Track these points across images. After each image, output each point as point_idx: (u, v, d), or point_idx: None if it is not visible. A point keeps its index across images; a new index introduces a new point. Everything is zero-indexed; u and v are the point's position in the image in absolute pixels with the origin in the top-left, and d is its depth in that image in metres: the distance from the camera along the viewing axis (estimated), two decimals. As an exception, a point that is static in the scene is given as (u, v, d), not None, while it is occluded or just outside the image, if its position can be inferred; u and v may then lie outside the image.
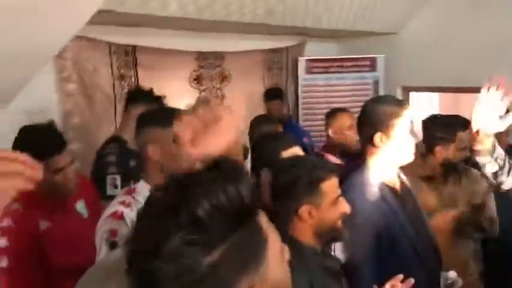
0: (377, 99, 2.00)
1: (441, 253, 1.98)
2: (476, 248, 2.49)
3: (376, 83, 5.37)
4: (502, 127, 1.72)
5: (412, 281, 1.60)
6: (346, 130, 3.50)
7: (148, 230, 0.71)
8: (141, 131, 1.82)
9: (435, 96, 6.77)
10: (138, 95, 3.05)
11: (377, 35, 5.32)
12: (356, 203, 1.73)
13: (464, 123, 2.40)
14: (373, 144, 1.87)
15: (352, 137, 3.39)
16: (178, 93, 4.05)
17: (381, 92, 5.27)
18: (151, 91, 3.04)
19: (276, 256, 0.77)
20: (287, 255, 0.84)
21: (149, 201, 0.77)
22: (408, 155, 1.90)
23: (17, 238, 2.09)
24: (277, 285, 0.77)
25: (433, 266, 1.94)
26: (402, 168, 2.22)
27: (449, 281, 1.94)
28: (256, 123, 3.34)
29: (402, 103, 1.92)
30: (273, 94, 4.63)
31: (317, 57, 5.45)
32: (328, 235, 1.63)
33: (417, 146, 1.92)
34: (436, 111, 6.27)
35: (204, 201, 0.68)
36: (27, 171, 0.80)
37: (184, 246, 0.67)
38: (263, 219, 0.77)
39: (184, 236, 0.67)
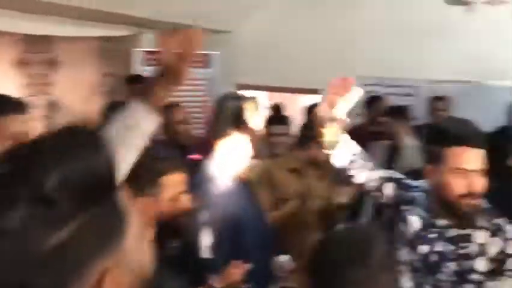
0: (230, 95, 2.12)
1: (277, 240, 2.16)
2: None
3: (210, 80, 5.52)
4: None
5: (247, 265, 1.73)
6: (177, 124, 3.52)
7: None
8: None
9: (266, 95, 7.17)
10: None
11: (213, 32, 5.47)
12: (206, 196, 1.83)
13: None
14: (226, 137, 1.97)
15: (186, 130, 3.44)
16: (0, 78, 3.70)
17: (216, 89, 5.43)
18: None
19: (135, 238, 0.70)
20: (148, 236, 0.80)
21: None
22: (257, 148, 2.04)
23: None
24: (135, 268, 0.71)
25: (271, 251, 2.12)
26: (270, 158, 2.28)
27: (279, 264, 2.12)
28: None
29: (253, 99, 2.05)
30: (137, 79, 4.48)
31: (154, 50, 5.40)
32: (168, 230, 1.61)
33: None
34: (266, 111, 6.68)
35: (53, 173, 0.59)
36: None
37: (26, 222, 0.57)
38: (123, 197, 0.70)
39: (27, 212, 0.57)
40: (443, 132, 1.66)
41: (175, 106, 3.71)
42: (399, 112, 3.96)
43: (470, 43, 4.70)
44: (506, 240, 1.65)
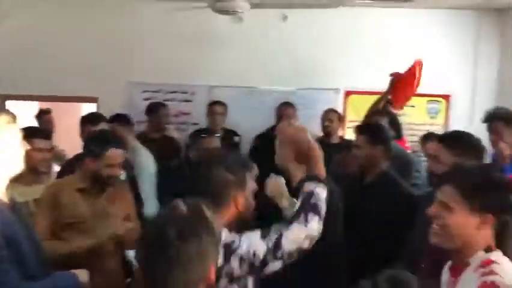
0: None
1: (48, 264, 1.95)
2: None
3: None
4: None
5: None
6: None
7: None
8: None
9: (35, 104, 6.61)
10: None
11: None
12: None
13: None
14: None
15: None
16: None
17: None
18: None
19: None
20: None
21: None
22: (17, 165, 1.81)
23: None
24: None
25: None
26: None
27: None
28: None
29: (7, 111, 1.81)
30: None
31: None
32: None
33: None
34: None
35: None
36: None
37: None
38: None
39: None
40: None
41: None
42: (123, 118, 3.99)
43: (239, 50, 5.01)
44: None
